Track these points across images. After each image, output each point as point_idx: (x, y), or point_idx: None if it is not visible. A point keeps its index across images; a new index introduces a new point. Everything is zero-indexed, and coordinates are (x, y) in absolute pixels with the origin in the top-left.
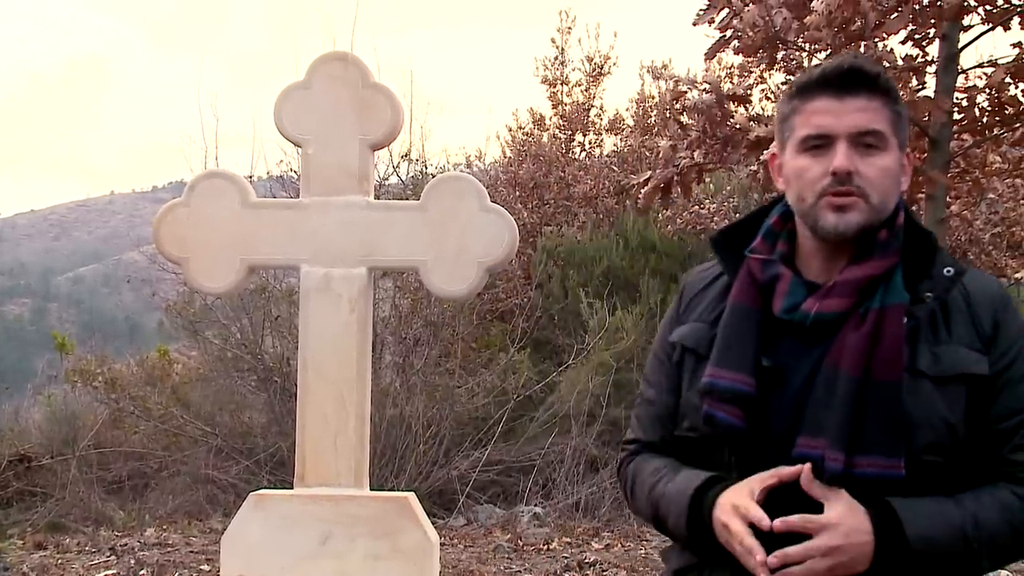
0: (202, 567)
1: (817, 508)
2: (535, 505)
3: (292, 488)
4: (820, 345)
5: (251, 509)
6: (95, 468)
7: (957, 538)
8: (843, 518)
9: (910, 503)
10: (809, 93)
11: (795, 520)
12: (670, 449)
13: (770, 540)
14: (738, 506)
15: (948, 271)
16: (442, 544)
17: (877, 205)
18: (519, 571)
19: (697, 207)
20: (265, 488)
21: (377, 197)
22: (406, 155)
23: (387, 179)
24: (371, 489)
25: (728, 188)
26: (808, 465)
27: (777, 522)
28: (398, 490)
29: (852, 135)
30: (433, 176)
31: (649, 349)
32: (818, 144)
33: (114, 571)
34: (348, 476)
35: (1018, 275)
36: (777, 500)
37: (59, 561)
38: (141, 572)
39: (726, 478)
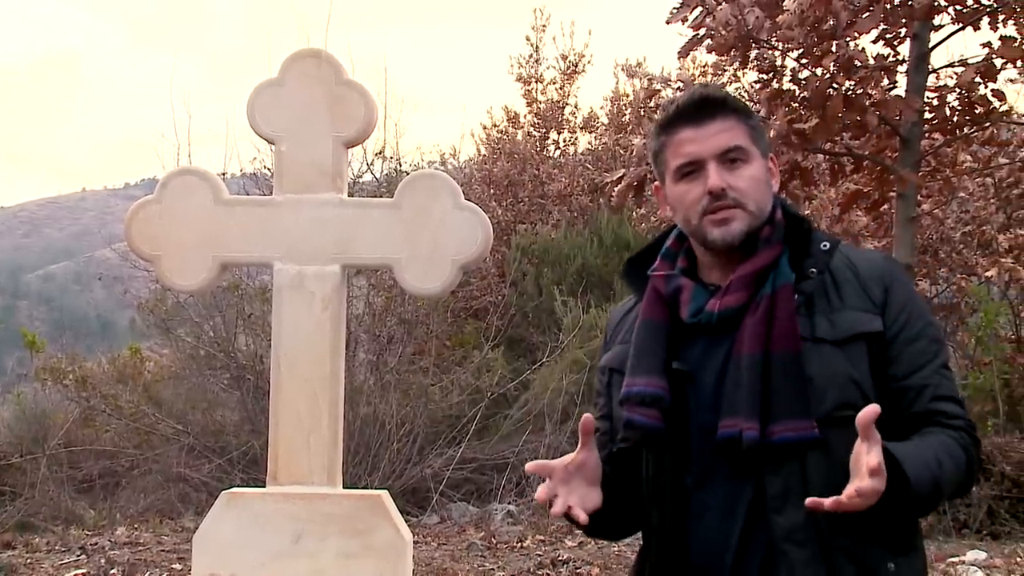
0: (173, 566)
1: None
2: (509, 503)
3: (265, 486)
4: (727, 339)
5: (223, 507)
6: (65, 467)
7: (931, 479)
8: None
9: (897, 447)
10: (672, 127)
11: (878, 464)
12: (613, 467)
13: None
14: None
15: (824, 245)
16: (415, 542)
17: (755, 211)
18: (493, 569)
19: None
20: (238, 486)
21: (351, 195)
22: (380, 153)
23: (361, 177)
24: (344, 487)
25: None
26: (874, 407)
27: (852, 491)
28: (372, 488)
29: (718, 155)
30: (407, 174)
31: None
32: (690, 170)
33: (84, 570)
34: (321, 474)
35: (988, 273)
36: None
37: (28, 560)
38: (112, 571)
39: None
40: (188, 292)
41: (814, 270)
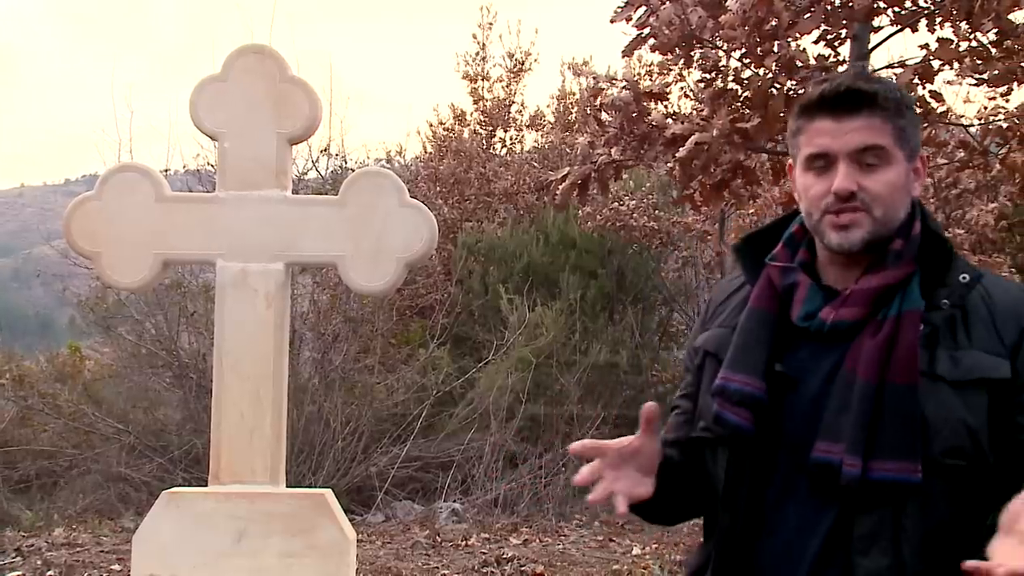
0: (112, 567)
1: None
2: (454, 501)
3: (207, 486)
4: (836, 351)
5: (163, 507)
6: (1, 467)
7: None
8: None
9: None
10: (811, 113)
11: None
12: (684, 450)
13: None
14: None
15: (963, 278)
16: (360, 541)
17: (881, 218)
18: (437, 567)
19: (617, 204)
20: (179, 486)
21: (295, 192)
22: (325, 150)
23: (306, 174)
24: (288, 486)
25: (648, 185)
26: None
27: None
28: (316, 487)
29: (852, 154)
30: (353, 171)
31: (569, 345)
32: (820, 164)
33: (20, 572)
34: (264, 473)
35: None
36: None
37: None
38: (48, 573)
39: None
40: (129, 290)
41: (947, 302)
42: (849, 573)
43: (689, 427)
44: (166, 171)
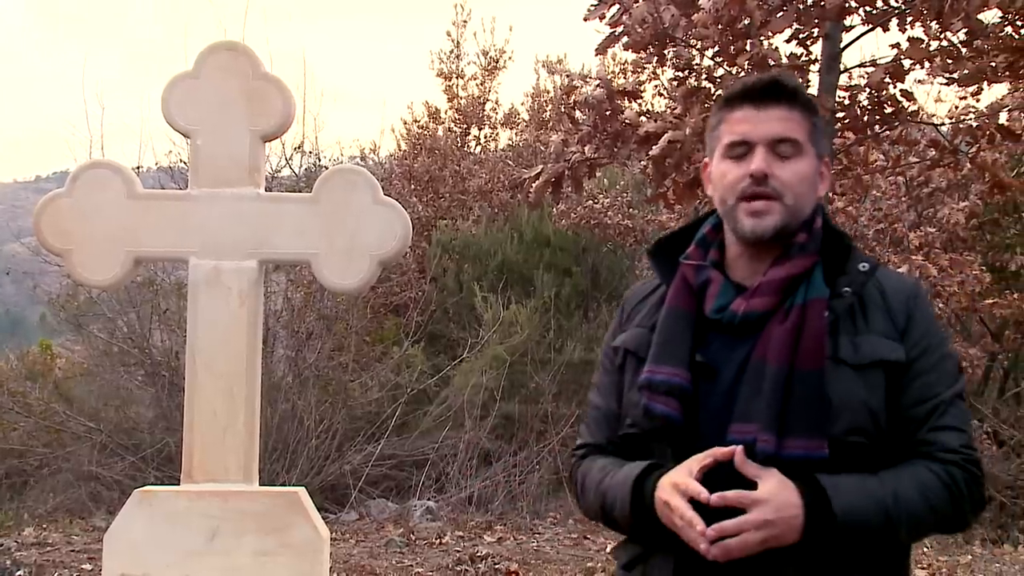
0: (83, 566)
1: (751, 486)
2: (428, 499)
3: (180, 484)
4: (748, 341)
5: (135, 506)
6: None
7: (879, 512)
8: (774, 494)
9: (836, 479)
10: (733, 104)
11: (731, 495)
12: (616, 449)
13: (708, 518)
14: (677, 483)
15: (863, 266)
16: (333, 539)
17: (792, 206)
18: (411, 565)
19: (591, 202)
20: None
21: (269, 189)
22: (299, 147)
23: (280, 171)
24: (262, 485)
25: (622, 183)
26: (741, 446)
27: (714, 497)
28: (290, 485)
29: (769, 142)
30: (326, 169)
31: (543, 343)
32: (740, 151)
33: None
34: (237, 471)
35: (900, 270)
36: (714, 481)
37: None
38: (18, 572)
39: (664, 465)
40: (100, 287)
41: (848, 290)
42: (769, 553)
43: (612, 425)
44: (138, 168)
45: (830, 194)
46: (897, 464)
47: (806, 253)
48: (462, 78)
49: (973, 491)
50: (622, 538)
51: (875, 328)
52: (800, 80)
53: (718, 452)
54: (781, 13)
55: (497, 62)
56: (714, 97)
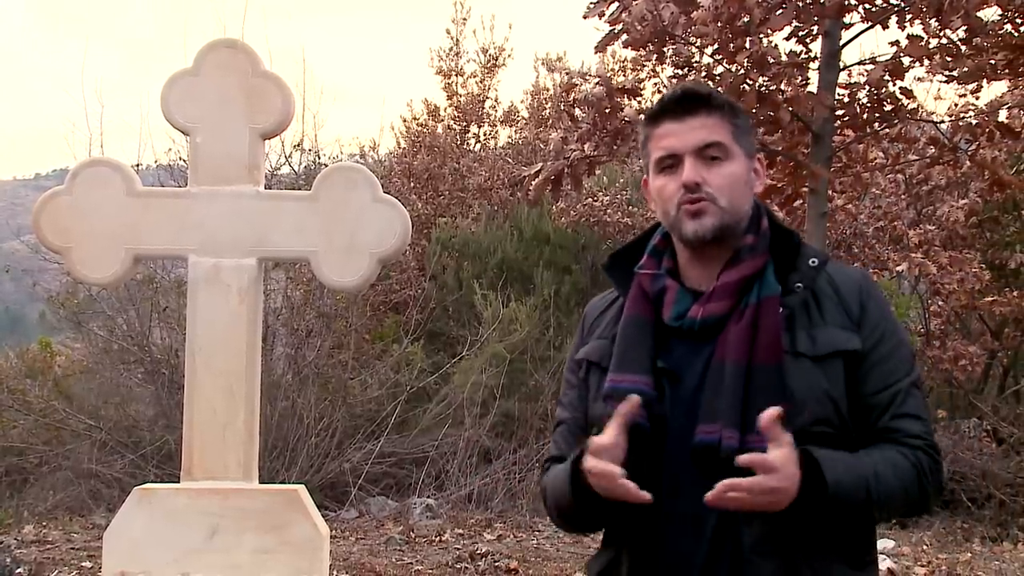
0: (83, 564)
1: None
2: (428, 497)
3: (179, 482)
4: (709, 345)
5: (135, 504)
6: None
7: (862, 487)
8: (784, 463)
9: (827, 454)
10: (656, 121)
11: (756, 458)
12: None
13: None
14: (591, 447)
15: (813, 262)
16: (333, 537)
17: (727, 207)
18: (411, 563)
19: (591, 199)
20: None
21: (268, 187)
22: (298, 145)
23: (279, 169)
24: (262, 482)
25: (621, 181)
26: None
27: (744, 458)
28: (289, 483)
29: (696, 150)
30: (326, 166)
31: (543, 340)
32: (670, 164)
33: None
34: (237, 469)
35: (899, 268)
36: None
37: None
38: (18, 570)
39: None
40: (100, 285)
41: (800, 285)
42: (739, 542)
43: (578, 439)
44: (137, 166)
45: (830, 192)
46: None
47: (756, 254)
48: (462, 76)
49: (936, 476)
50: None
51: (830, 320)
52: (713, 85)
53: (622, 407)
54: (780, 11)
55: (497, 60)
56: None
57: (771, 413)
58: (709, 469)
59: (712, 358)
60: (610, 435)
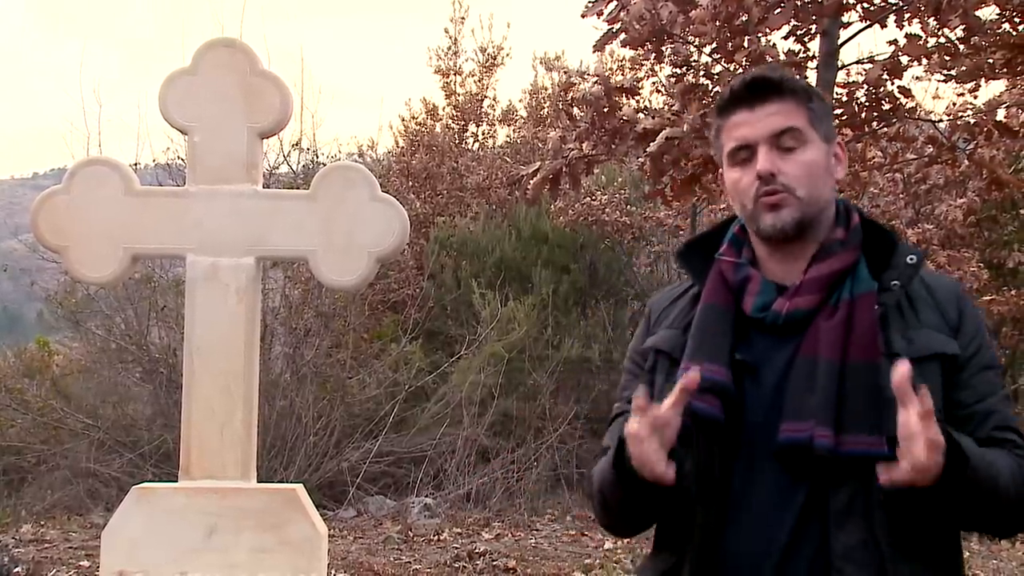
0: (81, 563)
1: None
2: (426, 496)
3: (177, 481)
4: (791, 340)
5: (133, 503)
6: None
7: (991, 475)
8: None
9: (960, 435)
10: (727, 111)
11: (928, 405)
12: None
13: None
14: (638, 404)
15: (911, 259)
16: (332, 536)
17: (805, 198)
18: (409, 562)
19: (589, 199)
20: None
21: (267, 186)
22: (297, 144)
23: (277, 168)
24: (260, 481)
25: (619, 180)
26: (906, 366)
27: (923, 407)
28: (288, 482)
29: (769, 138)
30: (324, 166)
31: (541, 339)
32: (744, 155)
33: None
34: (235, 468)
35: None
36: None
37: None
38: (16, 570)
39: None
40: (98, 284)
41: (896, 283)
42: (826, 547)
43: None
44: (135, 165)
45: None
46: None
47: (847, 248)
48: (460, 75)
49: None
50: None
51: (925, 322)
52: (788, 71)
53: (683, 382)
54: (779, 10)
55: (495, 59)
56: (712, 94)
57: (903, 370)
58: (793, 466)
59: (797, 354)
60: (665, 407)
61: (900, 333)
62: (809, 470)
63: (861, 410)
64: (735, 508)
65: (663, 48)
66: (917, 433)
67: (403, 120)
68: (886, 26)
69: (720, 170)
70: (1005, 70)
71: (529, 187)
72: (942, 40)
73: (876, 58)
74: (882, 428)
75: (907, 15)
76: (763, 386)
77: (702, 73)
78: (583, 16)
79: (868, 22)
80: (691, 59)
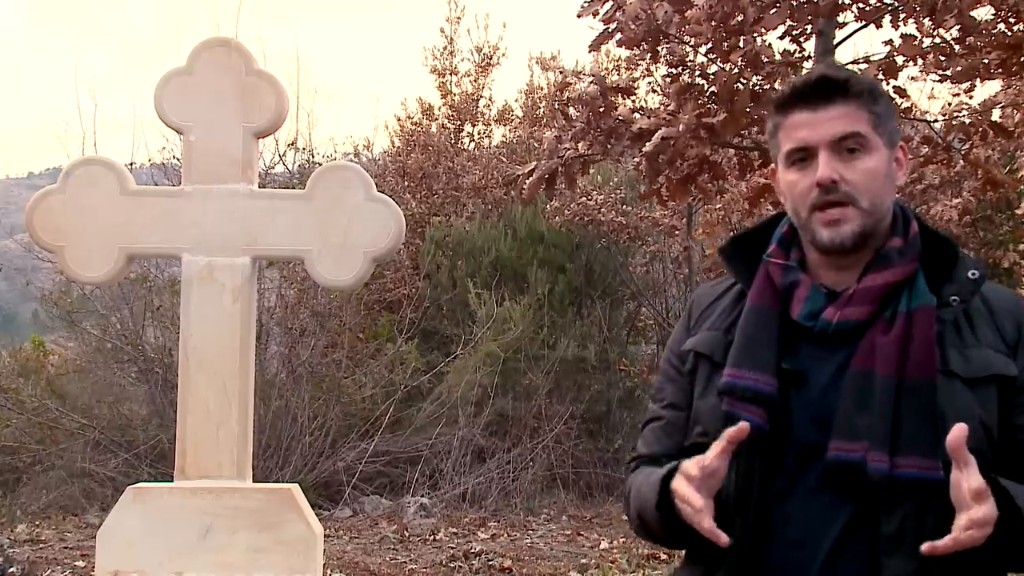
0: (77, 563)
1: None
2: (422, 496)
3: (173, 481)
4: (841, 351)
5: (129, 503)
6: None
7: None
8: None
9: (1007, 482)
10: (787, 108)
11: (981, 485)
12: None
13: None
14: (684, 470)
15: (973, 274)
16: (327, 536)
17: (868, 209)
18: (405, 562)
19: (585, 198)
20: (145, 481)
21: (262, 186)
22: (292, 144)
23: (273, 168)
24: (255, 481)
25: (615, 180)
26: (963, 429)
27: (971, 482)
28: (283, 482)
29: (831, 143)
30: (320, 165)
31: (536, 339)
32: (802, 157)
33: None
34: (230, 468)
35: None
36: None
37: None
38: (11, 570)
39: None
40: (93, 284)
41: (956, 298)
42: (875, 572)
43: (673, 436)
44: (131, 164)
45: None
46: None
47: (905, 259)
48: (456, 75)
49: None
50: (680, 560)
51: (984, 340)
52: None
53: (730, 433)
54: (774, 10)
55: (491, 59)
56: (707, 94)
57: (960, 433)
58: (839, 485)
59: (849, 366)
60: (709, 459)
61: (957, 350)
62: (857, 489)
63: (916, 431)
64: (774, 522)
65: (659, 48)
66: (965, 506)
67: (399, 120)
68: (881, 26)
69: (718, 172)
70: (1000, 70)
71: (525, 187)
72: (937, 40)
73: (871, 58)
74: (936, 450)
75: (902, 15)
76: (811, 395)
77: (698, 73)
78: (579, 16)
79: (864, 22)
80: (687, 59)
